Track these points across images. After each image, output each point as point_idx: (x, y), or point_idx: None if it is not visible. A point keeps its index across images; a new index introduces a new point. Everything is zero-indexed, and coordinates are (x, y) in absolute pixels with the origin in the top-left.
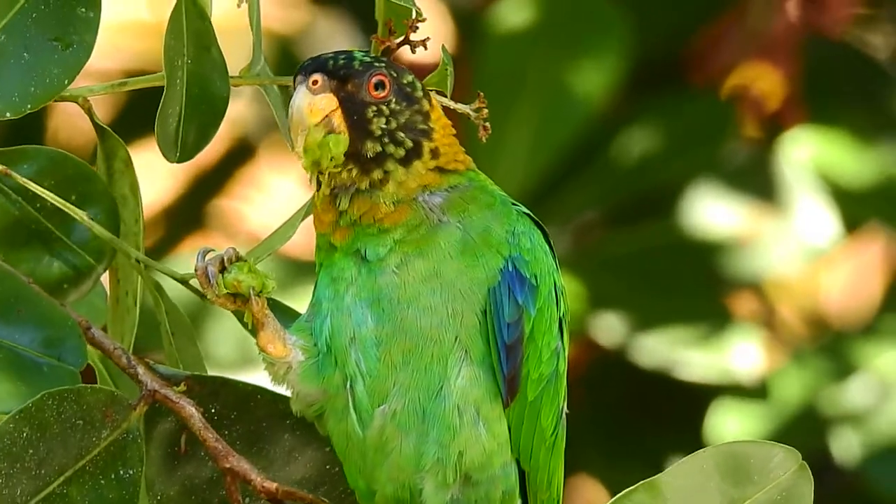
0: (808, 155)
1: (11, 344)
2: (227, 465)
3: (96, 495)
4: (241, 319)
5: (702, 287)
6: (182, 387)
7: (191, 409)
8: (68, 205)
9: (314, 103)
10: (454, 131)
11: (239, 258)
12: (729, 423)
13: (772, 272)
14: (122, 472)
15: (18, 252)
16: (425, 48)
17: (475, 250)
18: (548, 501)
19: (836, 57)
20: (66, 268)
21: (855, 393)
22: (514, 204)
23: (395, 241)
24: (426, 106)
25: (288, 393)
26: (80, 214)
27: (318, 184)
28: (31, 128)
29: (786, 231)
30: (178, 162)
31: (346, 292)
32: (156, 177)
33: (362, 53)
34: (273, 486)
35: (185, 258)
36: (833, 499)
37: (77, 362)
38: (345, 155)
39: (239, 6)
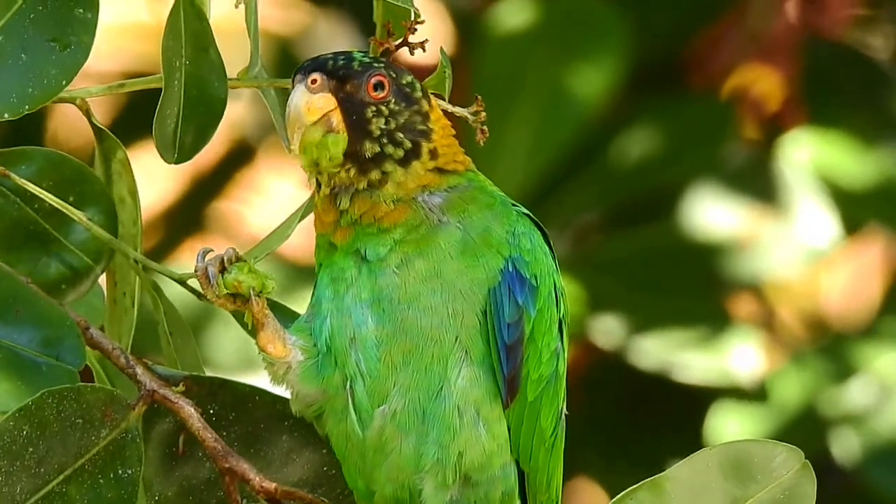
0: (807, 156)
1: (10, 343)
2: (226, 466)
3: (95, 494)
4: (240, 321)
5: (701, 289)
6: (181, 387)
7: (189, 410)
8: (66, 205)
9: (312, 102)
10: (453, 132)
11: (239, 258)
12: (729, 425)
13: (771, 274)
14: (120, 472)
15: (17, 253)
16: (424, 50)
17: (475, 250)
18: (547, 502)
19: (836, 58)
20: (64, 268)
21: (855, 394)
22: (513, 205)
23: (396, 241)
24: (425, 106)
25: (287, 393)
26: (78, 215)
27: (318, 184)
28: (29, 129)
29: (785, 233)
30: (176, 163)
31: (346, 292)
32: (155, 179)
33: (362, 54)
34: (272, 486)
35: (185, 260)
36: (833, 500)
37: (76, 362)
38: (343, 155)
39: (237, 6)
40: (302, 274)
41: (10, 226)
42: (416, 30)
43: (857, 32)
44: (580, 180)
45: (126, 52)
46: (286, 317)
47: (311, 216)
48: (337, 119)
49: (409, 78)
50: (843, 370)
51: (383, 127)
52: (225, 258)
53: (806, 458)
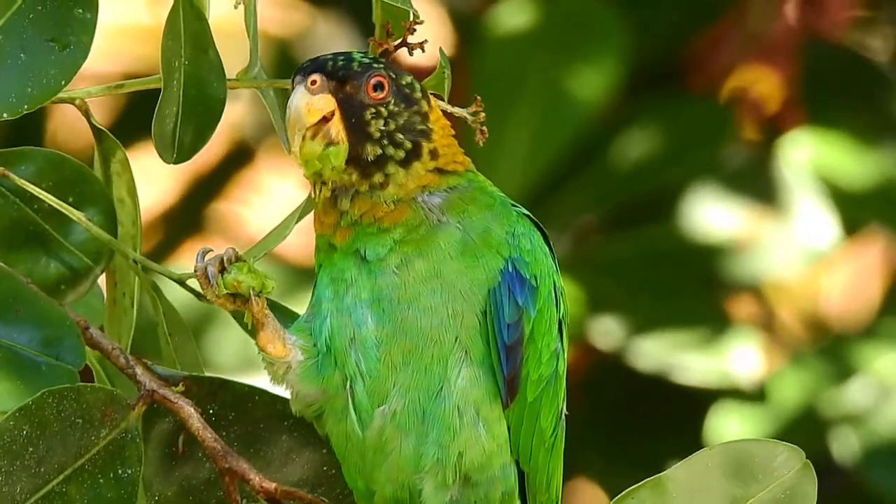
0: (807, 157)
1: (10, 343)
2: (226, 465)
3: (95, 494)
4: (240, 322)
5: (701, 290)
6: (180, 387)
7: (189, 410)
8: (66, 206)
9: (312, 103)
10: (453, 132)
11: (238, 258)
12: (729, 426)
13: (771, 275)
14: (120, 472)
15: (16, 253)
16: (423, 50)
17: (475, 251)
18: (547, 502)
19: (835, 59)
20: (64, 269)
21: (855, 395)
22: (513, 205)
23: (395, 241)
24: (425, 107)
25: (287, 393)
26: (77, 216)
27: (319, 188)
28: (29, 130)
29: (785, 234)
30: (175, 163)
31: (346, 293)
32: (155, 180)
33: (361, 55)
34: (272, 485)
35: (185, 261)
36: (833, 500)
37: (75, 362)
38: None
39: (236, 7)
40: (302, 275)
41: (10, 226)
42: (415, 30)
43: (856, 34)
44: (580, 181)
45: (126, 54)
46: (286, 317)
47: (310, 216)
48: (336, 129)
49: (409, 78)
50: (842, 371)
51: (383, 128)
52: (224, 258)
53: (806, 458)
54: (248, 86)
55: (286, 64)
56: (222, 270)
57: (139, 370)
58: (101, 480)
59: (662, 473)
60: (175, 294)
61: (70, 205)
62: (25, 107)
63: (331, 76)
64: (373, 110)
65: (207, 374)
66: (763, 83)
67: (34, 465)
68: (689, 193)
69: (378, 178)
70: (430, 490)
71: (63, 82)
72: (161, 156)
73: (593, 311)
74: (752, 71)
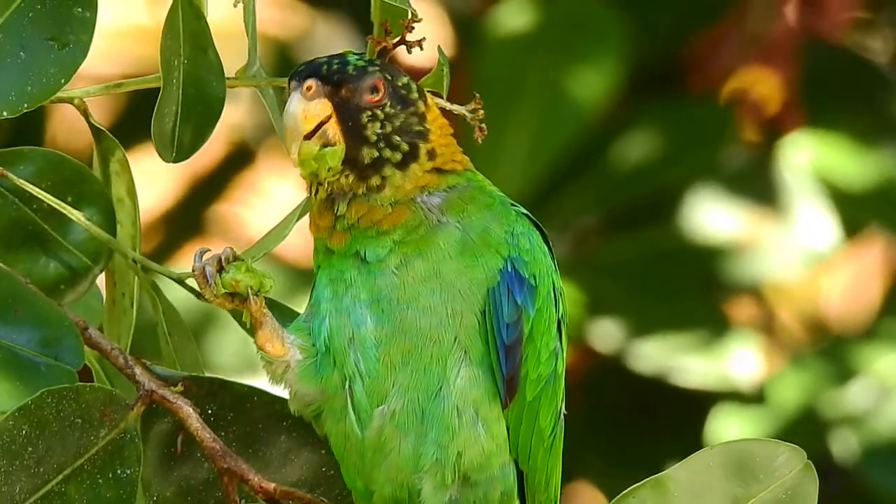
0: (807, 159)
1: (9, 343)
2: (225, 466)
3: (94, 494)
4: (240, 321)
5: (701, 292)
6: (179, 387)
7: (188, 410)
8: (65, 206)
9: (308, 109)
10: (451, 130)
11: (237, 258)
12: (729, 427)
13: (771, 277)
14: (119, 472)
15: (15, 253)
16: (421, 48)
17: (474, 251)
18: (546, 502)
19: (835, 61)
20: (63, 268)
21: (855, 396)
22: (512, 205)
23: (395, 242)
24: (422, 107)
25: (286, 393)
26: (76, 215)
27: (315, 189)
28: (29, 131)
29: (785, 235)
30: (175, 162)
31: (345, 293)
32: (155, 182)
33: (356, 56)
34: (271, 486)
35: (185, 263)
36: (833, 500)
37: (74, 362)
38: (342, 162)
39: (235, 6)
40: (301, 276)
41: (9, 226)
42: (413, 28)
43: (856, 35)
44: (579, 183)
45: (125, 55)
46: (286, 317)
47: (308, 217)
48: (333, 130)
49: (405, 79)
50: (842, 372)
51: (379, 131)
52: (223, 257)
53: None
54: (247, 84)
55: (286, 65)
56: (220, 270)
57: (138, 370)
58: (100, 480)
59: (663, 473)
60: (175, 295)
61: (69, 204)
62: (25, 105)
63: (326, 80)
64: (369, 113)
65: (207, 374)
66: (763, 84)
67: (33, 465)
68: (689, 195)
69: (375, 180)
70: (429, 490)
71: (63, 81)
72: (160, 155)
73: (593, 313)
74: (752, 72)
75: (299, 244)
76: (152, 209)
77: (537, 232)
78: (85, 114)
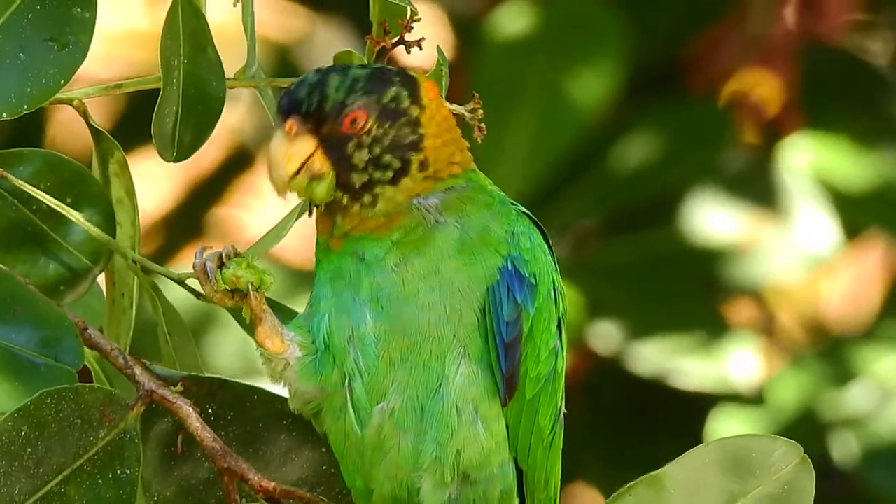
0: (807, 161)
1: (8, 344)
2: (225, 465)
3: (94, 495)
4: (240, 321)
5: (701, 294)
6: (179, 387)
7: (188, 409)
8: (64, 206)
9: (292, 150)
10: (452, 122)
11: (237, 255)
12: (728, 429)
13: (771, 279)
14: (119, 472)
15: (15, 253)
16: (420, 48)
17: (473, 249)
18: (545, 501)
19: (835, 63)
20: (63, 269)
21: (855, 398)
22: (512, 204)
23: (393, 243)
24: (415, 112)
25: (285, 391)
26: (75, 216)
27: (311, 209)
28: (28, 134)
29: (785, 238)
30: (175, 161)
31: (345, 291)
32: (155, 185)
33: (337, 81)
34: (271, 485)
35: (185, 266)
36: (833, 503)
37: (74, 362)
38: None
39: (234, 5)
40: (301, 277)
41: (9, 227)
42: (412, 28)
43: (855, 37)
44: (579, 185)
45: (124, 60)
46: (286, 316)
47: (307, 217)
48: (320, 162)
49: (393, 91)
50: (842, 374)
51: (367, 158)
52: (223, 254)
53: None
54: (247, 85)
55: (286, 69)
56: (221, 266)
57: (138, 370)
58: (99, 481)
59: (660, 470)
60: (175, 296)
61: (68, 205)
62: (25, 106)
63: (307, 118)
64: (354, 142)
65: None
66: (763, 87)
67: (33, 466)
68: (689, 197)
69: (367, 199)
70: (428, 488)
71: (62, 82)
72: (161, 154)
73: (593, 316)
74: (752, 74)
75: (298, 246)
76: (152, 212)
77: (538, 231)
78: (84, 115)
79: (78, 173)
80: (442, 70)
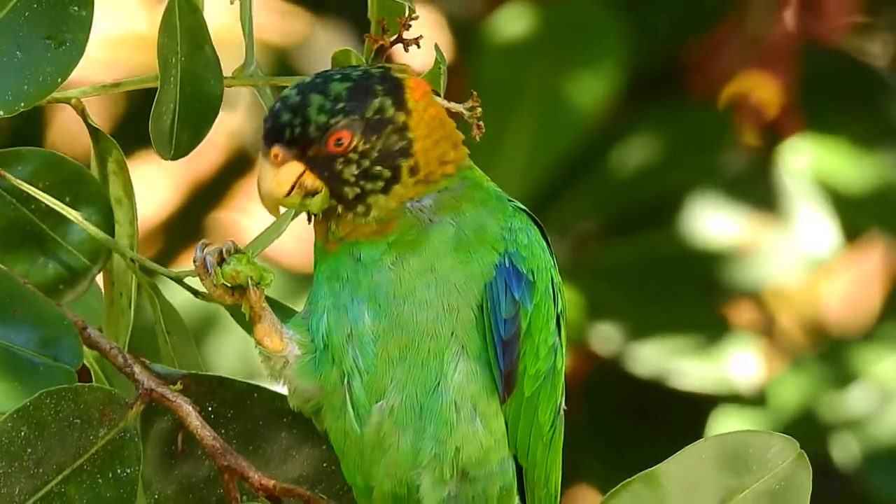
0: (806, 163)
1: (7, 344)
2: (225, 463)
3: (94, 494)
4: (240, 322)
5: (701, 296)
6: (178, 385)
7: (188, 408)
8: (63, 206)
9: (279, 179)
10: (441, 119)
11: (238, 250)
12: (729, 430)
13: (771, 281)
14: (119, 471)
15: (14, 253)
16: (418, 46)
17: (469, 246)
18: (545, 498)
19: (834, 65)
20: (62, 268)
21: (855, 400)
22: (509, 200)
23: (389, 244)
24: (401, 118)
25: (284, 389)
26: (74, 215)
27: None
28: (27, 137)
29: (785, 240)
30: (173, 159)
31: (343, 289)
32: (154, 189)
33: (319, 102)
34: (271, 483)
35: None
36: None
37: (73, 362)
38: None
39: (232, 3)
40: (300, 280)
41: (7, 226)
42: (410, 26)
43: (855, 39)
44: (579, 188)
45: (123, 63)
46: (286, 315)
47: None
48: (311, 181)
49: (376, 103)
50: (842, 376)
51: (357, 172)
52: (224, 250)
53: None
54: (245, 83)
55: (285, 71)
56: (221, 262)
57: (137, 369)
58: (99, 480)
59: (656, 466)
60: (176, 299)
61: (67, 205)
62: (22, 104)
63: (291, 144)
64: (341, 160)
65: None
66: (762, 89)
67: (33, 466)
68: (689, 199)
69: (360, 209)
70: (427, 485)
71: (59, 80)
72: (159, 153)
73: (593, 318)
74: (752, 77)
75: (297, 248)
76: (152, 216)
77: (535, 227)
78: (82, 114)
79: (76, 173)
80: (440, 69)
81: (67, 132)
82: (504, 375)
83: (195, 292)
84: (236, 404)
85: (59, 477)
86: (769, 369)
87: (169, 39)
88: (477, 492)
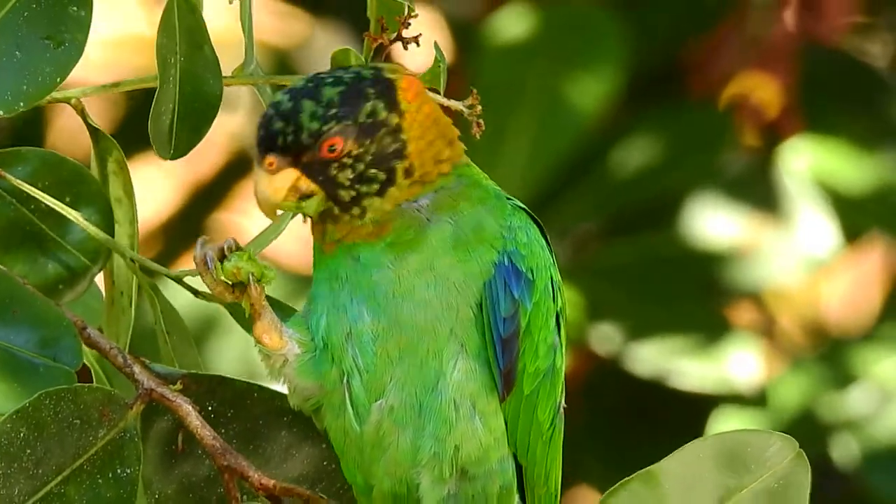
0: (806, 164)
1: (7, 344)
2: (225, 463)
3: (94, 494)
4: (241, 322)
5: (701, 297)
6: (178, 385)
7: (187, 408)
8: (63, 206)
9: (276, 187)
10: (436, 117)
11: (239, 248)
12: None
13: (771, 282)
14: (119, 471)
15: (14, 253)
16: (417, 44)
17: (468, 245)
18: (545, 496)
19: (834, 65)
20: (61, 268)
21: (855, 401)
22: (508, 199)
23: (387, 244)
24: (394, 120)
25: (284, 388)
26: (74, 215)
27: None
28: (28, 139)
29: (785, 240)
30: (172, 159)
31: (342, 289)
32: (155, 191)
33: (311, 108)
34: (270, 482)
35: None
36: None
37: (72, 362)
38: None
39: (231, 2)
40: (300, 282)
41: (7, 226)
42: (410, 24)
43: (855, 39)
44: (579, 189)
45: (124, 65)
46: (286, 314)
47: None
48: (306, 184)
49: (368, 107)
50: (842, 376)
51: (352, 176)
52: (225, 247)
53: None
54: (245, 82)
55: (285, 73)
56: (222, 259)
57: (137, 369)
58: (99, 481)
59: (655, 465)
60: (175, 300)
61: (67, 205)
62: (21, 104)
63: (284, 152)
64: (336, 165)
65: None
66: (762, 89)
67: (32, 467)
68: (689, 200)
69: (356, 211)
70: (427, 484)
71: (58, 80)
72: (158, 153)
73: (593, 318)
74: (752, 77)
75: (297, 250)
76: (153, 218)
77: (534, 226)
78: (82, 114)
79: (76, 172)
80: (440, 66)
81: (67, 134)
82: (503, 374)
83: (195, 292)
84: (236, 403)
85: (59, 478)
86: (769, 370)
87: (168, 39)
88: (476, 490)
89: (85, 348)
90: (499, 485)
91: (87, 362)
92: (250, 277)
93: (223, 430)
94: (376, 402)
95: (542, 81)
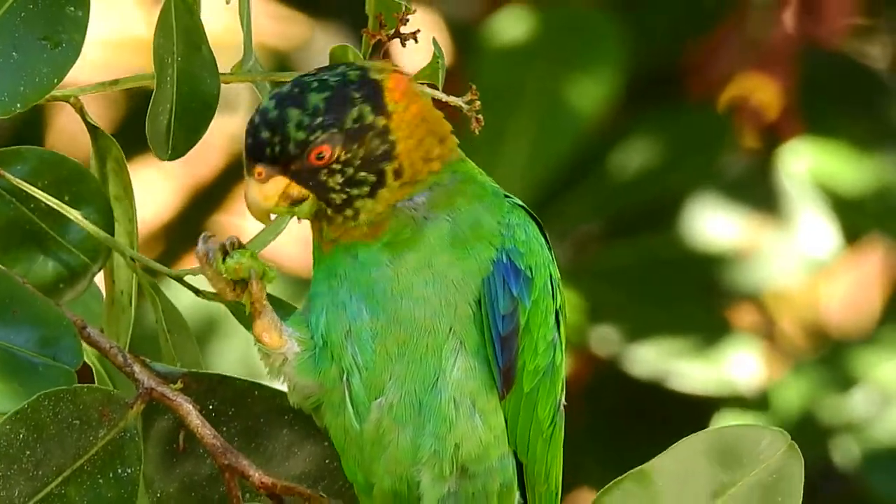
0: (806, 166)
1: (7, 344)
2: (226, 462)
3: (95, 495)
4: (242, 321)
5: (701, 299)
6: (179, 384)
7: (188, 407)
8: (62, 205)
9: (265, 192)
10: (424, 114)
11: (241, 245)
12: None
13: (772, 284)
14: (120, 471)
15: (13, 252)
16: (416, 41)
17: (465, 242)
18: (546, 494)
19: (834, 67)
20: (61, 267)
21: (855, 403)
22: (506, 196)
23: (384, 244)
24: (381, 122)
25: (284, 386)
26: (74, 214)
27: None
28: (27, 140)
29: (785, 242)
30: (170, 160)
31: (341, 287)
32: (155, 193)
33: (297, 117)
34: (272, 481)
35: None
36: None
37: (72, 362)
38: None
39: (228, 2)
40: (301, 284)
41: (6, 226)
42: (408, 20)
43: (854, 42)
44: (579, 191)
45: (123, 66)
46: (287, 313)
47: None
48: (297, 190)
49: (355, 112)
50: (843, 379)
51: (341, 181)
52: (227, 244)
53: (807, 465)
54: (243, 79)
55: None
56: (224, 256)
57: (137, 368)
58: (100, 481)
59: (647, 463)
60: (177, 301)
61: (66, 203)
62: (18, 105)
63: (273, 162)
64: (325, 171)
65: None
66: (762, 91)
67: (32, 469)
68: (689, 202)
69: (349, 213)
70: (427, 482)
71: (56, 80)
72: (156, 153)
73: (593, 320)
74: (751, 79)
75: (297, 251)
76: (153, 220)
77: (533, 223)
78: (81, 112)
79: (75, 171)
80: (438, 62)
81: (67, 134)
82: (503, 371)
83: (196, 290)
84: (237, 402)
85: (59, 478)
86: (770, 372)
87: (165, 40)
88: (477, 488)
89: (87, 347)
90: (499, 483)
91: (88, 362)
92: (252, 274)
93: (224, 429)
94: (376, 399)
95: (542, 83)
